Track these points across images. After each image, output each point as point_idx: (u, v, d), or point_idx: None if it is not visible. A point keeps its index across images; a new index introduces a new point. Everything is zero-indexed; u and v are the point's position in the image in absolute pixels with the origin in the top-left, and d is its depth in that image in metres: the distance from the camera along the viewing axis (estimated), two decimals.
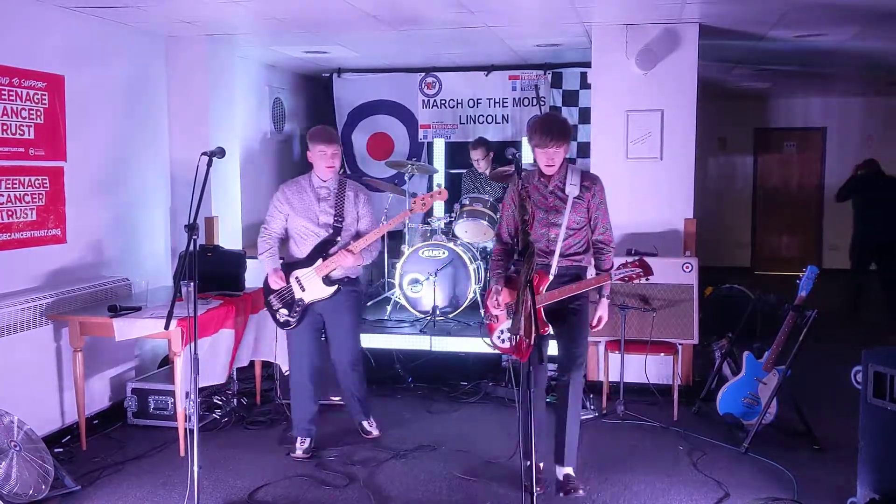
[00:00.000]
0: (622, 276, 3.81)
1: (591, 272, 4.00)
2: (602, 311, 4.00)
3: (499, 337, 3.93)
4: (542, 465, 3.99)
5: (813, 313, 4.61)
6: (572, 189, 3.78)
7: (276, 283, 4.38)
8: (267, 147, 7.74)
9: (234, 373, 5.42)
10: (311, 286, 4.37)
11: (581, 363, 3.92)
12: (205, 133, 6.02)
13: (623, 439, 4.73)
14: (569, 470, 3.93)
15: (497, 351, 4.09)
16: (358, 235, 4.45)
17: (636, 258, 3.83)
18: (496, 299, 3.87)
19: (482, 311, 4.00)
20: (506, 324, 3.85)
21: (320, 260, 4.34)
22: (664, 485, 4.05)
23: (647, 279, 3.79)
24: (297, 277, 4.38)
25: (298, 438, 4.51)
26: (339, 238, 4.36)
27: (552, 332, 3.88)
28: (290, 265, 4.43)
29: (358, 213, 4.45)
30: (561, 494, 3.85)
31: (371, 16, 5.28)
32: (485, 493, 3.96)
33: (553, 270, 3.78)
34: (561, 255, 3.80)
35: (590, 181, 3.85)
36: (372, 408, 4.82)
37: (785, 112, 11.45)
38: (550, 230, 3.80)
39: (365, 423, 4.75)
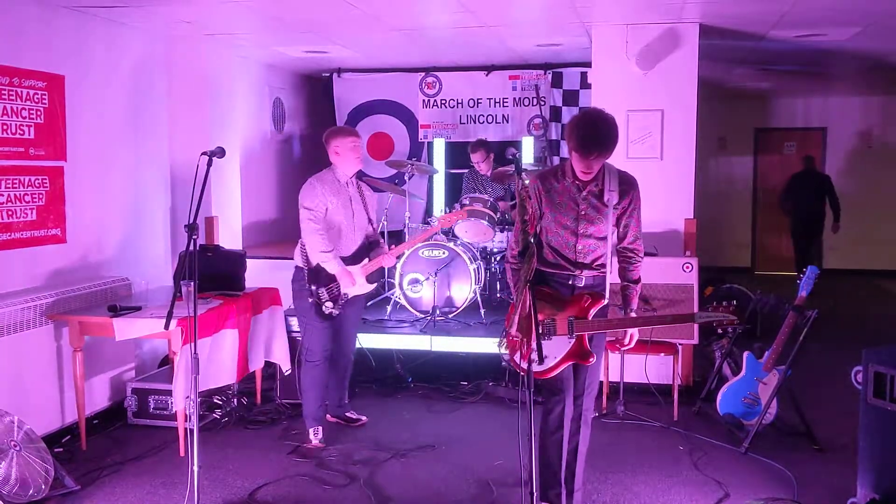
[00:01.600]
0: (709, 320, 3.31)
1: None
2: (633, 329, 3.52)
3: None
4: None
5: (813, 313, 4.61)
6: (612, 196, 3.34)
7: (350, 284, 4.54)
8: (267, 147, 7.74)
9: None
10: (357, 282, 4.61)
11: (594, 394, 3.55)
12: (205, 133, 6.03)
13: (623, 439, 4.72)
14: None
15: (519, 371, 3.55)
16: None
17: (729, 303, 3.38)
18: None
19: (505, 328, 3.57)
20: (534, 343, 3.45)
21: (367, 259, 4.62)
22: (664, 485, 4.05)
23: (735, 329, 3.36)
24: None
25: (312, 429, 4.59)
26: (381, 239, 4.73)
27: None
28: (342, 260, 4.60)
29: (369, 214, 4.71)
30: None
31: (371, 16, 5.28)
32: (485, 492, 3.96)
33: (598, 288, 3.38)
34: (589, 267, 3.41)
35: (627, 185, 3.40)
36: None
37: (785, 112, 11.45)
38: (579, 240, 3.38)
39: (350, 414, 4.97)
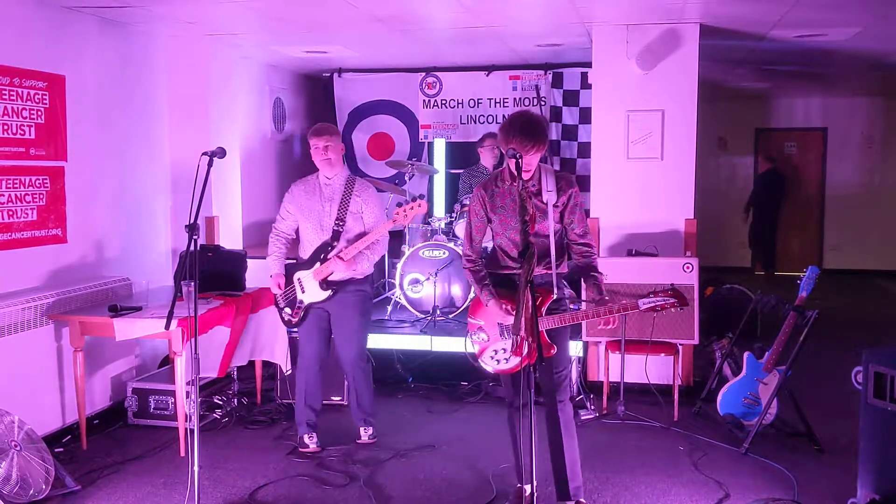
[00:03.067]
0: (652, 304, 3.38)
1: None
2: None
3: (492, 357, 3.58)
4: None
5: (813, 314, 4.61)
6: (550, 196, 3.46)
7: (274, 288, 4.49)
8: (267, 147, 7.73)
9: (235, 372, 5.43)
10: (310, 289, 4.43)
11: (565, 385, 3.59)
12: (205, 133, 6.02)
13: (623, 440, 4.73)
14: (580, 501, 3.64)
15: (492, 372, 3.67)
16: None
17: (669, 286, 3.44)
18: (503, 305, 3.48)
19: (468, 334, 3.70)
20: (499, 343, 3.55)
21: (318, 263, 4.39)
22: (665, 485, 4.05)
23: (680, 309, 3.38)
24: (298, 279, 4.46)
25: (306, 435, 4.53)
26: (336, 242, 4.37)
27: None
28: (294, 265, 4.50)
29: (363, 216, 4.43)
30: None
31: (371, 15, 5.28)
32: (485, 492, 3.96)
33: (548, 284, 3.48)
34: (537, 264, 3.50)
35: (564, 182, 3.51)
36: (374, 416, 4.70)
37: (785, 112, 11.45)
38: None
39: (361, 430, 4.65)
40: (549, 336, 3.47)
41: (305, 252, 4.46)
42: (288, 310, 4.50)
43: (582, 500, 3.63)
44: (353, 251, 4.31)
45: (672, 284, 3.46)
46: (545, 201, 3.48)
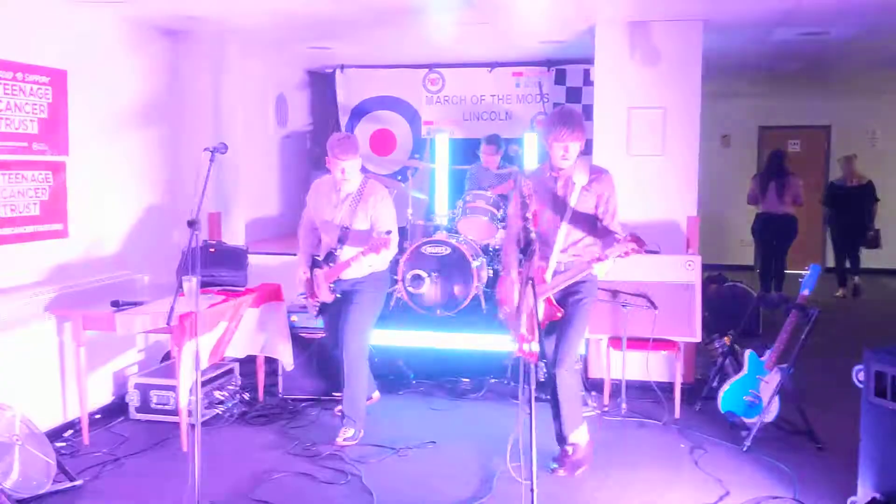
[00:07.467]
0: (614, 252, 3.66)
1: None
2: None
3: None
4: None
5: (815, 312, 4.60)
6: (580, 178, 3.84)
7: (299, 279, 4.68)
8: (270, 142, 7.74)
9: (237, 367, 5.43)
10: (321, 287, 4.61)
11: (566, 360, 3.99)
12: (207, 128, 6.02)
13: (624, 437, 4.73)
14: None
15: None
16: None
17: (629, 235, 3.63)
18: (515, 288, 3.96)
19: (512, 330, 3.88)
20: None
21: (327, 267, 4.53)
22: (666, 482, 4.05)
23: (642, 252, 3.62)
24: (315, 275, 4.63)
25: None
26: (342, 245, 4.48)
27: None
28: (316, 261, 4.66)
29: (373, 220, 4.49)
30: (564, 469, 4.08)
31: (374, 11, 5.28)
32: (485, 489, 3.97)
33: (553, 264, 3.85)
34: (563, 251, 3.86)
35: (597, 172, 3.90)
36: (355, 416, 4.62)
37: (789, 109, 11.42)
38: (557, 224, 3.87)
39: (341, 429, 4.60)
40: (561, 306, 3.85)
41: (322, 251, 4.63)
42: (310, 300, 4.70)
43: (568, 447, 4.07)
44: (341, 266, 4.44)
45: (633, 234, 3.63)
46: (574, 181, 3.80)
